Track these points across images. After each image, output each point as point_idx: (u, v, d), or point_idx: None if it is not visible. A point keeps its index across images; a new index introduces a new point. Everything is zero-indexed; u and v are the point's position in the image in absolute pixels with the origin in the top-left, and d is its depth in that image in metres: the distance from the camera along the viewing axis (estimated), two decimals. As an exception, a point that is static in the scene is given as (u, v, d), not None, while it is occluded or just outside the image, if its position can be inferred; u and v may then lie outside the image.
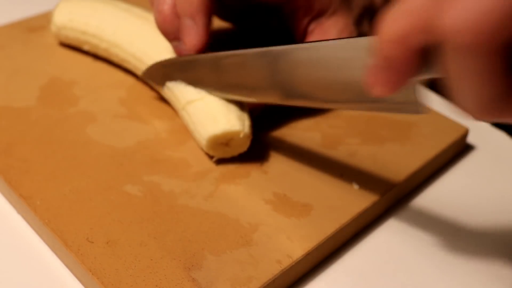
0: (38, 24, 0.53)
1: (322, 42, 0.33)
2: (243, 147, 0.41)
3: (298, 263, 0.35)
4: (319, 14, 0.45)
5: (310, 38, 0.45)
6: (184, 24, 0.39)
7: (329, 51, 0.32)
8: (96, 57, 0.50)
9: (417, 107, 0.31)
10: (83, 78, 0.48)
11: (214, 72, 0.39)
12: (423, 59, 0.26)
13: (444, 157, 0.44)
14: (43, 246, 0.37)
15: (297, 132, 0.44)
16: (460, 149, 0.46)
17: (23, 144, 0.41)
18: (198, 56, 0.40)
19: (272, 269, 0.34)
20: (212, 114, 0.40)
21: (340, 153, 0.43)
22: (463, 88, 0.25)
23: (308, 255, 0.36)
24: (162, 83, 0.42)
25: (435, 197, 0.43)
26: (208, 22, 0.39)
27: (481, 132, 0.48)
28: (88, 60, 0.50)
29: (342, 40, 0.31)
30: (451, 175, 0.44)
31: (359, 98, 0.32)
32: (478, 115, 0.26)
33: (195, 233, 0.36)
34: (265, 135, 0.44)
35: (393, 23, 0.25)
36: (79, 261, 0.34)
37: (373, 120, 0.46)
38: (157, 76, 0.43)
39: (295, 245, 0.36)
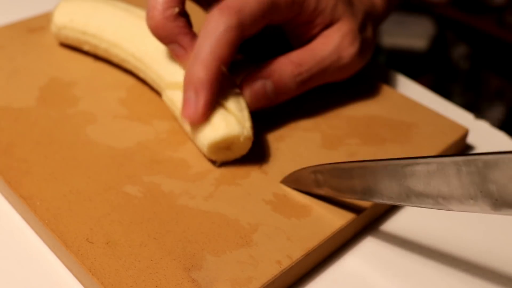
0: (38, 25, 0.53)
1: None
2: (245, 149, 0.41)
3: (298, 263, 0.35)
4: (323, 29, 0.45)
5: (313, 44, 0.45)
6: (186, 96, 0.39)
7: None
8: (96, 57, 0.50)
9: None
10: (83, 78, 0.48)
11: (392, 180, 0.34)
12: None
13: (444, 157, 0.44)
14: (43, 246, 0.37)
15: (297, 132, 0.44)
16: (460, 149, 0.46)
17: (23, 144, 0.41)
18: (368, 163, 0.35)
19: (272, 269, 0.34)
20: (210, 119, 0.40)
21: (340, 153, 0.43)
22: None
23: (308, 255, 0.36)
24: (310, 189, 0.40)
25: (435, 198, 0.43)
26: (211, 99, 0.39)
27: (481, 133, 0.48)
28: (88, 61, 0.50)
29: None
30: (451, 176, 0.44)
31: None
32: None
33: (195, 233, 0.36)
34: (265, 135, 0.44)
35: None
36: (79, 261, 0.34)
37: (373, 121, 0.46)
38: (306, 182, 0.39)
39: (295, 246, 0.36)
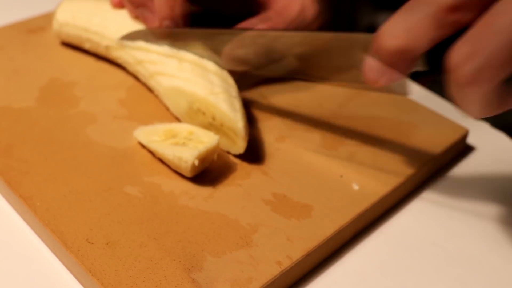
0: (38, 25, 0.53)
1: (323, 32, 0.38)
2: (241, 148, 0.41)
3: (298, 264, 0.35)
4: None
5: (279, 7, 0.47)
6: (165, 25, 0.44)
7: (330, 40, 0.37)
8: (97, 57, 0.50)
9: (404, 90, 0.36)
10: (83, 79, 0.48)
11: (206, 44, 0.43)
12: (419, 61, 0.32)
13: (444, 158, 0.44)
14: (43, 247, 0.37)
15: (297, 133, 0.44)
16: (460, 150, 0.46)
17: (23, 145, 0.41)
18: (190, 30, 0.43)
19: (272, 270, 0.34)
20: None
21: (340, 153, 0.43)
22: (462, 101, 0.31)
23: (308, 256, 0.36)
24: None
25: (435, 197, 0.43)
26: (186, 22, 0.44)
27: (481, 133, 0.48)
28: (88, 61, 0.50)
29: (343, 33, 0.36)
30: (451, 176, 0.44)
31: (352, 80, 0.38)
32: (477, 117, 0.32)
33: (195, 234, 0.36)
34: (265, 135, 0.44)
35: (394, 39, 0.31)
36: (79, 262, 0.34)
37: (373, 121, 0.46)
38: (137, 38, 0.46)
39: (295, 246, 0.36)
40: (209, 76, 0.42)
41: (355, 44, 0.36)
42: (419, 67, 0.33)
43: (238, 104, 0.41)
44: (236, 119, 0.40)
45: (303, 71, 0.41)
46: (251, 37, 0.42)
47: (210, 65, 0.43)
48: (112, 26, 0.47)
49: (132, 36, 0.46)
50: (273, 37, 0.41)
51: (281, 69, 0.42)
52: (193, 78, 0.42)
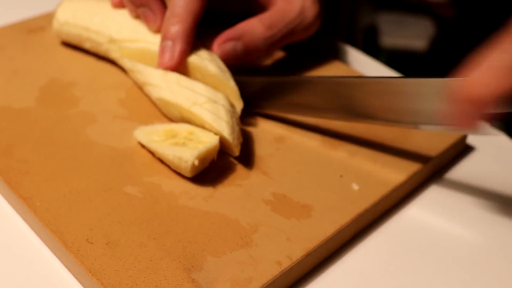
0: (38, 25, 0.53)
1: (396, 78, 0.39)
2: (232, 152, 0.41)
3: (298, 264, 0.35)
4: None
5: (279, 7, 0.47)
6: (163, 45, 0.43)
7: (402, 86, 0.38)
8: (97, 57, 0.50)
9: (488, 130, 0.37)
10: (83, 79, 0.48)
11: (279, 93, 0.44)
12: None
13: (444, 158, 0.44)
14: (43, 247, 0.37)
15: (297, 133, 0.44)
16: (460, 150, 0.46)
17: (23, 145, 0.41)
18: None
19: (272, 270, 0.34)
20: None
21: (340, 154, 0.43)
22: None
23: (308, 256, 0.36)
24: None
25: (435, 198, 0.43)
26: (187, 49, 0.43)
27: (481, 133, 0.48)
28: (88, 61, 0.50)
29: (415, 79, 0.38)
30: (451, 176, 0.44)
31: (425, 121, 0.39)
32: None
33: (195, 234, 0.36)
34: (265, 135, 0.44)
35: (488, 88, 0.31)
36: (79, 262, 0.34)
37: (373, 121, 0.46)
38: None
39: (295, 246, 0.36)
40: (194, 85, 0.42)
41: (428, 88, 0.37)
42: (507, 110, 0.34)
43: (224, 112, 0.41)
44: (220, 128, 0.40)
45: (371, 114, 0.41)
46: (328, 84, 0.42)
47: (209, 66, 0.43)
48: (113, 25, 0.47)
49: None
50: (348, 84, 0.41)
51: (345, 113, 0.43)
52: (177, 89, 0.42)
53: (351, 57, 0.56)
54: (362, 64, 0.55)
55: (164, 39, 0.43)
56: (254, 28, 0.46)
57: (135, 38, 0.46)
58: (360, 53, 0.56)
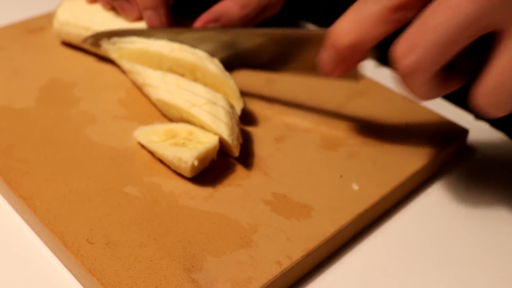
0: (38, 25, 0.53)
1: (282, 29, 0.43)
2: (232, 153, 0.41)
3: (298, 264, 0.35)
4: None
5: None
6: (147, 15, 0.46)
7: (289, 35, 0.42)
8: (97, 57, 0.50)
9: (356, 76, 0.41)
10: (83, 79, 0.48)
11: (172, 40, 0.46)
12: (369, 53, 0.37)
13: (443, 158, 0.44)
14: (43, 247, 0.37)
15: (297, 133, 0.44)
16: (460, 150, 0.46)
17: (23, 145, 0.41)
18: (154, 31, 0.46)
19: (272, 270, 0.34)
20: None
21: (340, 154, 0.43)
22: (406, 87, 0.36)
23: (308, 256, 0.36)
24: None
25: (435, 198, 0.43)
26: (168, 10, 0.46)
27: (481, 133, 0.48)
28: (88, 61, 0.50)
29: (300, 30, 0.43)
30: (451, 176, 0.44)
31: (307, 71, 0.43)
32: (423, 99, 0.37)
33: (195, 234, 0.36)
34: (265, 135, 0.44)
35: (346, 36, 0.36)
36: (79, 262, 0.34)
37: (372, 121, 0.46)
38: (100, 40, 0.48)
39: (295, 246, 0.36)
40: (193, 87, 0.42)
41: (311, 40, 0.41)
42: (369, 58, 0.38)
43: (223, 113, 0.41)
44: (219, 130, 0.40)
45: (265, 64, 0.45)
46: (215, 34, 0.45)
47: (209, 65, 0.43)
48: (113, 25, 0.47)
49: (95, 37, 0.48)
50: (235, 34, 0.44)
51: (243, 62, 0.46)
52: (176, 90, 0.42)
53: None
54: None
55: (145, 9, 0.46)
56: (229, 8, 0.48)
57: (134, 40, 0.46)
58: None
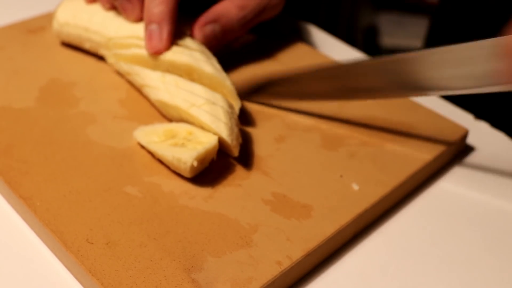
0: (38, 25, 0.53)
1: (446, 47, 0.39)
2: (232, 153, 0.41)
3: (298, 264, 0.35)
4: None
5: None
6: (149, 29, 0.44)
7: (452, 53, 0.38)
8: (97, 57, 0.50)
9: None
10: (83, 79, 0.48)
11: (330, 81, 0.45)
12: None
13: (443, 158, 0.44)
14: (43, 247, 0.37)
15: (297, 133, 0.44)
16: (460, 150, 0.46)
17: (23, 145, 0.41)
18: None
19: (272, 270, 0.34)
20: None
21: (340, 154, 0.43)
22: None
23: (308, 256, 0.36)
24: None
25: (434, 198, 0.43)
26: (172, 29, 0.44)
27: (481, 133, 0.48)
28: (88, 61, 0.50)
29: (465, 44, 0.37)
30: (450, 176, 0.44)
31: (478, 84, 0.38)
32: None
33: (195, 234, 0.36)
34: (265, 135, 0.44)
35: None
36: (79, 262, 0.34)
37: (373, 121, 0.46)
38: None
39: (295, 246, 0.36)
40: (192, 87, 0.42)
41: (479, 51, 0.37)
42: None
43: (222, 113, 0.41)
44: (219, 130, 0.40)
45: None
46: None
47: (205, 67, 0.43)
48: (112, 26, 0.47)
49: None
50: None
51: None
52: (175, 90, 0.42)
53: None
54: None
55: (148, 23, 0.44)
56: (228, 10, 0.48)
57: (132, 42, 0.46)
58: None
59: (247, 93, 0.47)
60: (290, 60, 0.52)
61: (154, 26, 0.44)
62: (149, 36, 0.44)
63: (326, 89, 0.45)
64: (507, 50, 0.35)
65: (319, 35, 0.58)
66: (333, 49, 0.56)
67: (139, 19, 0.47)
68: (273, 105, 0.46)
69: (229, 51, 0.52)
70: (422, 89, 0.40)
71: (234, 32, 0.49)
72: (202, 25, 0.47)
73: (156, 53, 0.44)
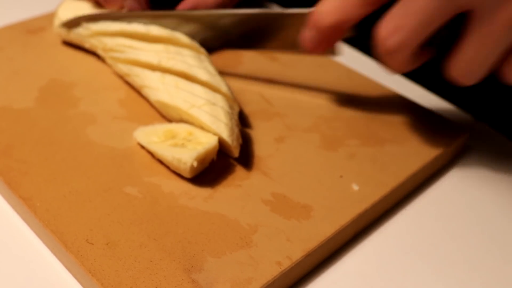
0: (38, 26, 0.53)
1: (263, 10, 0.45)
2: (232, 154, 0.41)
3: (298, 264, 0.35)
4: None
5: None
6: (128, 3, 0.47)
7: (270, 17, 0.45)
8: (97, 57, 0.50)
9: (334, 52, 0.44)
10: (83, 79, 0.48)
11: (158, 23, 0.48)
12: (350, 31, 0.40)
13: (443, 158, 0.44)
14: (42, 247, 0.37)
15: (297, 133, 0.44)
16: (460, 150, 0.46)
17: (23, 145, 0.41)
18: (138, 13, 0.48)
19: (271, 270, 0.34)
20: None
21: (340, 154, 0.43)
22: (387, 63, 0.39)
23: (307, 256, 0.36)
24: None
25: (434, 199, 0.43)
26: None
27: (481, 134, 0.48)
28: (88, 62, 0.50)
29: (280, 10, 0.44)
30: (450, 177, 0.44)
31: (288, 48, 0.45)
32: (398, 73, 0.40)
33: (195, 234, 0.36)
34: (265, 136, 0.44)
35: (328, 16, 0.39)
36: (79, 262, 0.34)
37: (372, 122, 0.46)
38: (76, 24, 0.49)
39: (295, 247, 0.36)
40: (192, 87, 0.42)
41: (293, 18, 0.43)
42: (350, 34, 0.41)
43: (222, 114, 0.41)
44: (219, 130, 0.40)
45: (245, 43, 0.47)
46: (197, 16, 0.47)
47: (199, 73, 0.43)
48: (114, 23, 0.47)
49: (73, 22, 0.48)
50: (217, 16, 0.46)
51: (225, 42, 0.48)
52: (175, 91, 0.42)
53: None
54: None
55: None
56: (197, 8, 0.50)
57: (123, 49, 0.46)
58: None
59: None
60: (289, 60, 0.52)
61: (130, 0, 0.47)
62: (129, 9, 0.48)
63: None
64: (310, 22, 0.40)
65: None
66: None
67: (121, 8, 0.49)
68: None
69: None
70: (261, 44, 0.46)
71: None
72: None
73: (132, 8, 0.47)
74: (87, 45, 0.49)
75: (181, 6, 0.49)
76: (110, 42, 0.46)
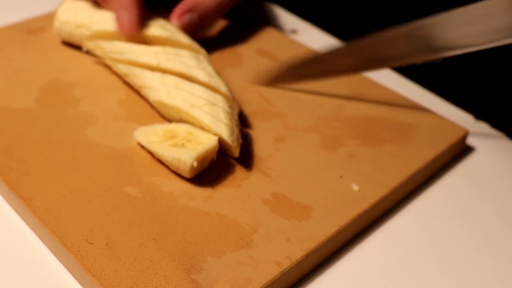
0: (38, 26, 0.53)
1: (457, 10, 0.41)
2: (232, 154, 0.41)
3: (298, 264, 0.35)
4: None
5: None
6: (119, 15, 0.46)
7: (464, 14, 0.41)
8: (96, 57, 0.50)
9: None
10: (83, 79, 0.48)
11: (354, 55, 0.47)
12: None
13: (443, 158, 0.44)
14: (42, 247, 0.37)
15: (297, 133, 0.44)
16: (460, 150, 0.46)
17: (23, 145, 0.41)
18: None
19: (271, 270, 0.34)
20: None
21: (340, 154, 0.43)
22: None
23: (307, 256, 0.36)
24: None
25: (434, 199, 0.43)
26: (141, 13, 0.46)
27: (481, 133, 0.48)
28: (88, 62, 0.50)
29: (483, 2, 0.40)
30: (450, 177, 0.44)
31: (500, 37, 0.41)
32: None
33: (195, 234, 0.36)
34: (265, 136, 0.44)
35: None
36: (79, 262, 0.34)
37: (372, 122, 0.46)
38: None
39: (295, 247, 0.36)
40: (192, 88, 0.42)
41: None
42: None
43: (222, 114, 0.41)
44: (219, 130, 0.40)
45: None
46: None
47: (198, 74, 0.43)
48: (113, 25, 0.47)
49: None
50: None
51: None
52: (175, 91, 0.42)
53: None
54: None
55: (117, 9, 0.46)
56: None
57: (121, 50, 0.46)
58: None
59: (274, 79, 0.48)
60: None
61: (122, 12, 0.46)
62: (119, 20, 0.46)
63: (352, 63, 0.46)
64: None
65: (319, 36, 0.58)
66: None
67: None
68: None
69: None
70: (447, 49, 0.43)
71: (211, 18, 0.51)
72: (180, 15, 0.49)
73: (128, 36, 0.46)
74: (85, 48, 0.49)
75: (179, 8, 0.49)
76: (107, 46, 0.46)
